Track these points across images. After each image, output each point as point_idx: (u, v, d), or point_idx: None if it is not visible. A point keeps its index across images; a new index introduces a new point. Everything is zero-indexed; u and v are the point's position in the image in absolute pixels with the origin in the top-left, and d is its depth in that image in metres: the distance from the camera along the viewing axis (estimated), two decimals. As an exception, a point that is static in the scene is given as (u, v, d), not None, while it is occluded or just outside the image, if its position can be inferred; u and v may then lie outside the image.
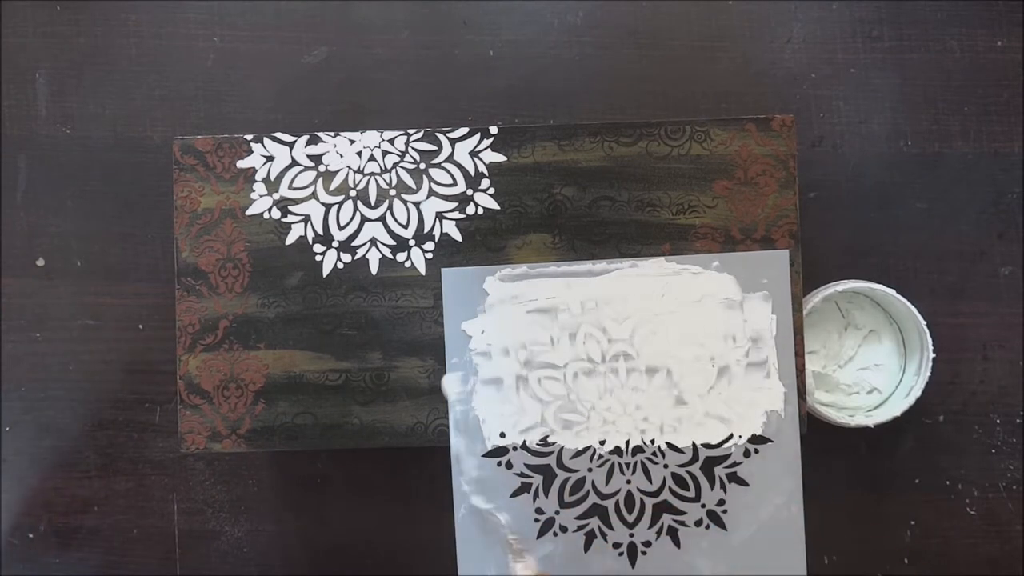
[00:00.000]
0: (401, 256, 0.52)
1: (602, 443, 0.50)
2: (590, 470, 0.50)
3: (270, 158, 0.53)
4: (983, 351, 0.59)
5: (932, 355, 0.53)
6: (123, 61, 0.62)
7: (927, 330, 0.53)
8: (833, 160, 0.60)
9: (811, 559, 0.50)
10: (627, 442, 0.50)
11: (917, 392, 0.54)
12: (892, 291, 0.54)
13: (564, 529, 0.50)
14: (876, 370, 0.57)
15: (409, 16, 0.61)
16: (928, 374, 0.53)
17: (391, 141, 0.52)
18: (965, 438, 0.58)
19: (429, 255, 0.52)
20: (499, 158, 0.52)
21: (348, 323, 0.52)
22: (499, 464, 0.50)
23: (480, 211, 0.52)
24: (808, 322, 0.54)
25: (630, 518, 0.50)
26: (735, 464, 0.50)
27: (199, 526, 0.60)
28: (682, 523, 0.50)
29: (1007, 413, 0.58)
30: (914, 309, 0.53)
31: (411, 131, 0.52)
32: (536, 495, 0.50)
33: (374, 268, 0.52)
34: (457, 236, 0.52)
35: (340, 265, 0.52)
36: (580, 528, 0.50)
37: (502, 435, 0.50)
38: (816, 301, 0.54)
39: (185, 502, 0.60)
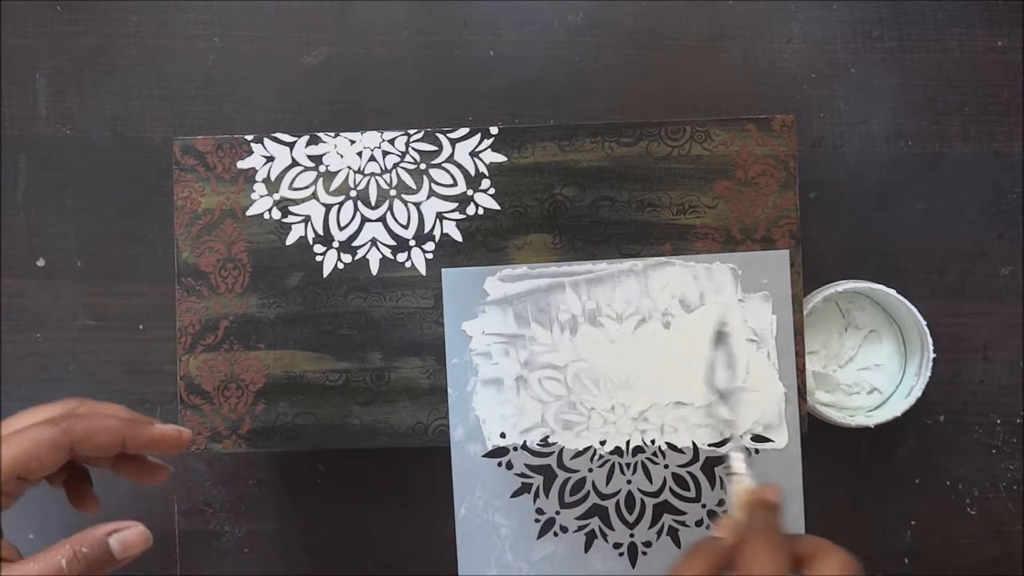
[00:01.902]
0: (401, 256, 0.52)
1: (602, 443, 0.50)
2: (590, 470, 0.50)
3: (270, 158, 0.53)
4: (983, 351, 0.59)
5: (933, 355, 0.53)
6: (123, 61, 0.62)
7: (928, 330, 0.53)
8: (833, 160, 0.60)
9: (811, 559, 0.50)
10: (627, 442, 0.50)
11: (918, 392, 0.54)
12: (892, 291, 0.54)
13: (565, 529, 0.50)
14: (877, 370, 0.57)
15: (409, 16, 0.61)
16: (929, 374, 0.53)
17: (391, 141, 0.52)
18: (965, 438, 0.58)
19: (429, 255, 0.52)
20: (499, 158, 0.52)
21: (348, 323, 0.52)
22: (499, 464, 0.50)
23: (480, 211, 0.52)
24: (808, 322, 0.54)
25: (631, 518, 0.50)
26: (735, 464, 0.50)
27: (199, 526, 0.60)
28: (683, 523, 0.50)
29: (1007, 413, 0.58)
30: (914, 309, 0.53)
31: (411, 131, 0.52)
32: (536, 495, 0.50)
33: (374, 268, 0.52)
34: (457, 236, 0.52)
35: (340, 265, 0.52)
36: (581, 528, 0.50)
37: (502, 435, 0.50)
38: (816, 301, 0.54)
39: (185, 502, 0.60)
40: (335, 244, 0.52)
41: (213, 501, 0.60)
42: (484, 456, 0.50)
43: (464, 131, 0.52)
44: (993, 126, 0.60)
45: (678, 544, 0.50)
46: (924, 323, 0.53)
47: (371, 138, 0.52)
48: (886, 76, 0.60)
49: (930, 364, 0.53)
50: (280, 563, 0.59)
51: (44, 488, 0.61)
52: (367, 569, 0.59)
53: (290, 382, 0.52)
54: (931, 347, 0.53)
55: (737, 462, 0.45)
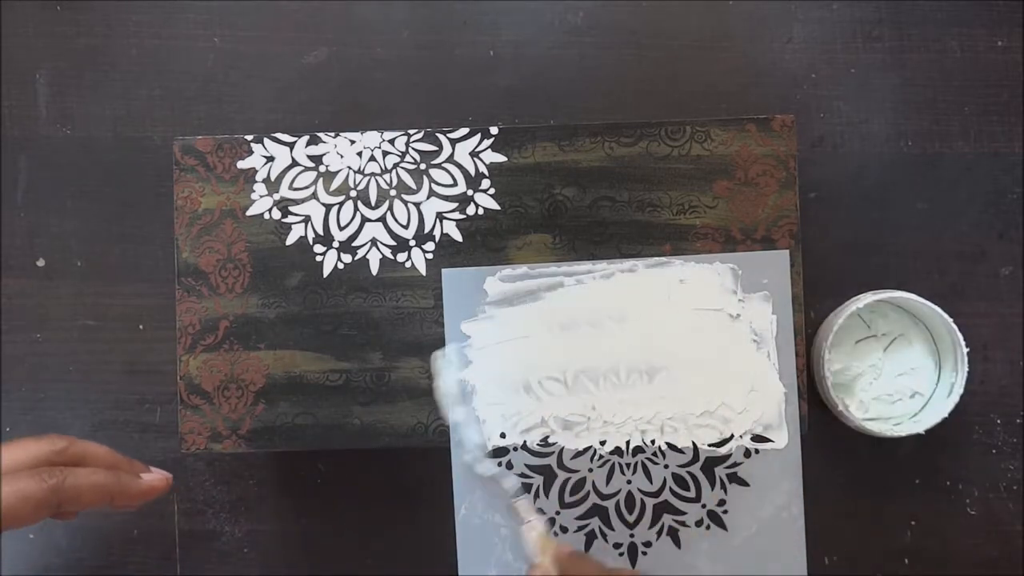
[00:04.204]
0: (401, 256, 0.52)
1: (602, 443, 0.50)
2: (591, 470, 0.50)
3: (270, 158, 0.53)
4: (983, 351, 0.59)
5: (966, 348, 0.53)
6: (123, 61, 0.61)
7: (955, 326, 0.53)
8: (833, 160, 0.60)
9: (811, 559, 0.50)
10: (627, 442, 0.50)
11: (959, 389, 0.53)
12: (912, 295, 0.53)
13: (565, 529, 0.50)
14: (913, 374, 0.56)
15: (409, 16, 0.61)
16: (967, 369, 0.53)
17: (391, 141, 0.52)
18: (965, 438, 0.58)
19: (429, 255, 0.52)
20: (499, 158, 0.52)
21: (348, 323, 0.52)
22: (500, 464, 0.50)
23: (480, 211, 0.52)
24: (834, 341, 0.54)
25: (630, 518, 0.50)
26: (735, 464, 0.50)
27: (199, 526, 0.60)
28: (682, 523, 0.50)
29: (1007, 413, 0.58)
30: (937, 308, 0.53)
31: (411, 131, 0.52)
32: (537, 495, 0.50)
33: (374, 268, 0.52)
34: (457, 236, 0.52)
35: (340, 265, 0.52)
36: (581, 528, 0.50)
37: (502, 435, 0.50)
38: (840, 321, 0.53)
39: (185, 502, 0.60)
40: (335, 244, 0.52)
41: (213, 501, 0.60)
42: (485, 456, 0.50)
43: (464, 131, 0.52)
44: (993, 126, 0.60)
45: (678, 544, 0.50)
46: (950, 320, 0.53)
47: (371, 138, 0.52)
48: (886, 76, 0.60)
49: (965, 359, 0.53)
50: (280, 563, 0.59)
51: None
52: (367, 569, 0.59)
53: (290, 382, 0.52)
54: (962, 342, 0.53)
55: (525, 510, 0.49)
